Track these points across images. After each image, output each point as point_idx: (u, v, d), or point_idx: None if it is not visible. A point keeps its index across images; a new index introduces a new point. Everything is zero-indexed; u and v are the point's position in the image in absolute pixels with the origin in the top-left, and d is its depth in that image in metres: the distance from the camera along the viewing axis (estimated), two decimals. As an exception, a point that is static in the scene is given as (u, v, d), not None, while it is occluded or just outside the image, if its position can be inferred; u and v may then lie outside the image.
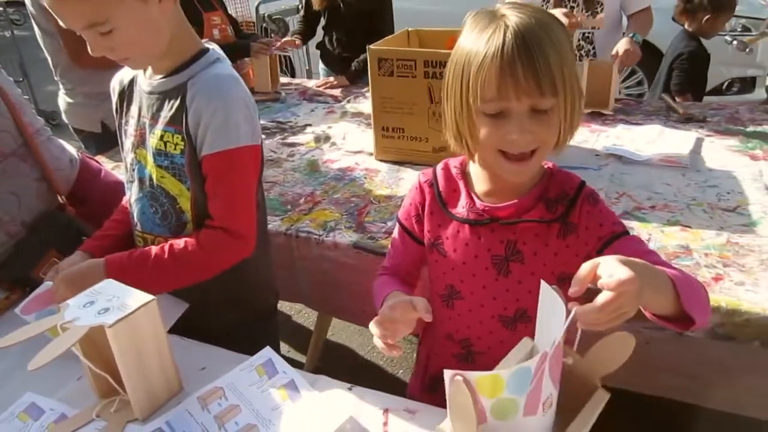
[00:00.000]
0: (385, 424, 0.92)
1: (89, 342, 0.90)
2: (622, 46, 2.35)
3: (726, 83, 4.24)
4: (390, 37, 2.14)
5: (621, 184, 1.78)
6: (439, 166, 1.03)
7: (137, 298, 0.90)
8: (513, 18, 0.80)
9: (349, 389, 0.99)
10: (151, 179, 1.14)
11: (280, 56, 3.25)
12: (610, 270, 0.68)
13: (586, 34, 2.54)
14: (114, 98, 1.22)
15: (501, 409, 0.71)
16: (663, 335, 1.23)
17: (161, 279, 1.09)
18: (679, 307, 0.75)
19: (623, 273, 0.66)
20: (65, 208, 1.39)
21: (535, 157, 0.86)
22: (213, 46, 1.14)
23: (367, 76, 1.96)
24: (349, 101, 2.79)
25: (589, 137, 2.17)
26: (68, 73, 2.22)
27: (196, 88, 1.06)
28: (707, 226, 1.51)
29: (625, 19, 2.61)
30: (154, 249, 1.10)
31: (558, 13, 2.14)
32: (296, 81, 3.32)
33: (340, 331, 2.50)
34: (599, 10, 2.48)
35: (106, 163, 1.81)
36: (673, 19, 2.95)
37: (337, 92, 2.93)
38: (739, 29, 4.16)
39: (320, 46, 3.28)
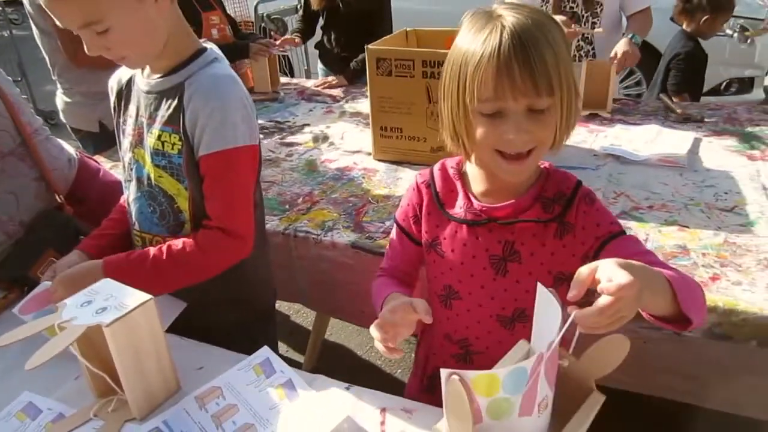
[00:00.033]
0: (382, 423, 0.92)
1: (87, 341, 0.90)
2: (620, 47, 2.34)
3: (724, 83, 4.25)
4: (388, 36, 2.15)
5: (619, 184, 1.78)
6: (436, 167, 1.03)
7: (135, 297, 0.90)
8: (509, 18, 0.81)
9: (347, 389, 0.99)
10: (149, 179, 1.14)
11: (279, 56, 3.24)
12: (609, 274, 0.68)
13: (586, 35, 2.55)
14: (112, 97, 1.22)
15: (497, 409, 0.71)
16: (660, 335, 1.24)
17: (160, 280, 1.09)
18: (677, 307, 0.76)
19: (622, 277, 0.66)
20: (63, 207, 1.39)
21: (531, 156, 0.86)
22: (211, 46, 1.14)
23: (365, 75, 1.96)
24: (347, 101, 2.79)
25: (587, 137, 2.17)
26: (66, 72, 2.22)
27: (193, 87, 1.06)
28: (705, 226, 1.51)
29: (624, 20, 2.61)
30: (152, 250, 1.10)
31: (557, 20, 2.14)
32: (295, 81, 3.32)
33: (338, 331, 2.50)
34: (599, 10, 2.49)
35: (104, 163, 1.81)
36: (672, 19, 2.95)
37: (335, 92, 2.93)
38: (737, 30, 4.17)
39: (319, 45, 3.28)
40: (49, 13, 0.96)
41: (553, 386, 0.76)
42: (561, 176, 0.96)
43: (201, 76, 1.07)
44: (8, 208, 1.30)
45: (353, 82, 2.99)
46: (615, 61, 2.31)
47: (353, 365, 2.33)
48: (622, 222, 0.96)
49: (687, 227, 1.51)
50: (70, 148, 1.50)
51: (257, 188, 1.21)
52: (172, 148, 1.09)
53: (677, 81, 2.77)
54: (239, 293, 1.24)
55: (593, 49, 2.58)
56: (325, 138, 2.32)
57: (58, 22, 0.97)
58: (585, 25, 2.52)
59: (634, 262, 0.71)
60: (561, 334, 0.69)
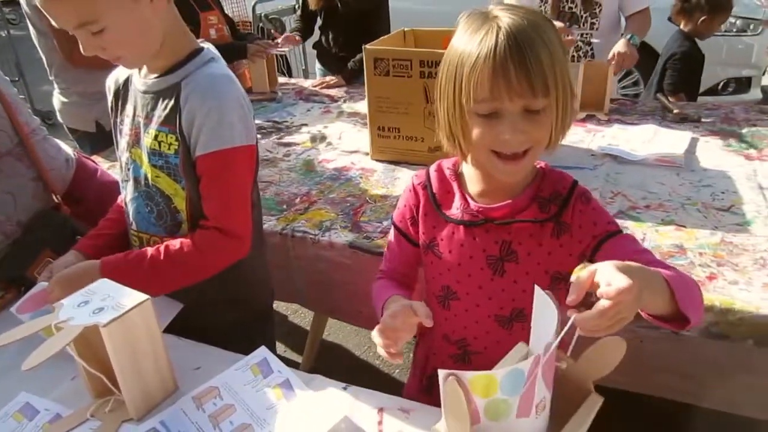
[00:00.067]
0: (380, 423, 0.92)
1: (84, 342, 0.90)
2: (618, 48, 2.35)
3: (721, 83, 4.26)
4: (386, 36, 2.15)
5: (616, 184, 1.78)
6: (432, 168, 1.03)
7: (132, 297, 0.90)
8: (505, 19, 0.81)
9: (344, 389, 0.99)
10: (146, 179, 1.14)
11: (277, 56, 3.24)
12: (608, 278, 0.68)
13: (584, 35, 2.55)
14: (109, 97, 1.22)
15: (494, 410, 0.71)
16: (657, 334, 1.24)
17: (157, 280, 1.09)
18: (675, 306, 0.76)
19: (622, 281, 0.66)
20: (61, 207, 1.39)
21: (527, 156, 0.86)
22: (208, 46, 1.14)
23: (363, 75, 1.96)
24: (345, 101, 2.79)
25: (585, 137, 2.18)
26: (62, 72, 2.22)
27: (190, 87, 1.06)
28: (701, 226, 1.51)
29: (623, 20, 2.61)
30: (149, 250, 1.09)
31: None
32: (293, 81, 3.32)
33: (336, 332, 2.50)
34: (597, 10, 2.49)
35: (101, 163, 1.81)
36: (669, 19, 2.95)
37: (333, 92, 2.93)
38: (734, 30, 4.18)
39: (317, 45, 3.28)
40: (45, 13, 0.96)
41: (551, 388, 0.76)
42: (557, 176, 0.96)
43: (198, 76, 1.07)
44: (5, 208, 1.30)
45: (351, 82, 2.99)
46: (613, 63, 2.31)
47: (351, 365, 2.33)
48: (619, 222, 0.96)
49: (684, 227, 1.51)
50: (67, 148, 1.49)
51: (254, 188, 1.21)
52: (169, 148, 1.09)
53: (674, 81, 2.78)
54: (237, 293, 1.24)
55: (592, 49, 2.58)
56: (323, 138, 2.32)
57: (53, 22, 0.97)
58: (584, 25, 2.52)
59: (632, 263, 0.71)
60: (560, 337, 0.70)
